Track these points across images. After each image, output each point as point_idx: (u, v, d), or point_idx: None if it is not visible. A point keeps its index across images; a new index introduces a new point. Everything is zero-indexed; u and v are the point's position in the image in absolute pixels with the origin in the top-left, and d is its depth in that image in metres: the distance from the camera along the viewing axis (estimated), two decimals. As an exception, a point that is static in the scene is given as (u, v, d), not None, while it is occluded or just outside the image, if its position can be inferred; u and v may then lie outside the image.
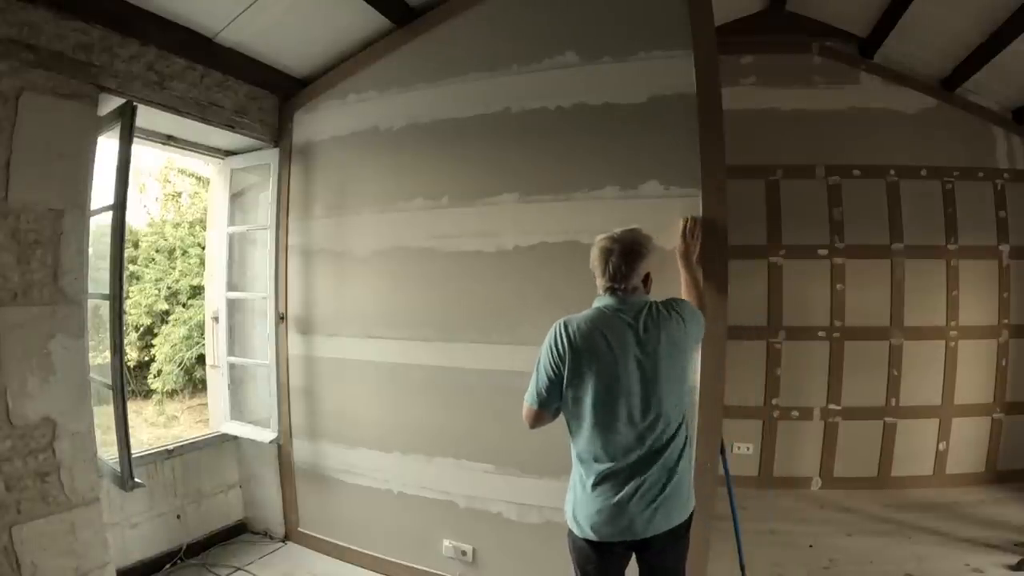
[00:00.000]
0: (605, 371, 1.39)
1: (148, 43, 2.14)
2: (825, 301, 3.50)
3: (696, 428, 1.92)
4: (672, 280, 1.84)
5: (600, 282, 1.50)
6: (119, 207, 2.02)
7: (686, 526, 1.47)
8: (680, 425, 1.45)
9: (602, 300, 1.49)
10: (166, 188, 7.01)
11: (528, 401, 1.50)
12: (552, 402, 1.47)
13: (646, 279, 1.51)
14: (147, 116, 2.22)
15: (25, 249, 1.79)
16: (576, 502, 1.47)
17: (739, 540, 2.19)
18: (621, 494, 1.39)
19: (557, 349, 1.44)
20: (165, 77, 2.22)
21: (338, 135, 2.65)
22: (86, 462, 1.95)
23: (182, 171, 6.83)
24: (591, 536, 1.43)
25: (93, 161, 2.00)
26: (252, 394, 3.05)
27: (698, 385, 1.91)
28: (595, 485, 1.42)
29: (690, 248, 1.88)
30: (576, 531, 1.47)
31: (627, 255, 1.45)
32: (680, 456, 1.43)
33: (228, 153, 2.93)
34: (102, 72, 1.99)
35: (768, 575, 2.47)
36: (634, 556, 1.50)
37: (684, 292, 1.81)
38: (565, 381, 1.43)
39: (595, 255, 1.50)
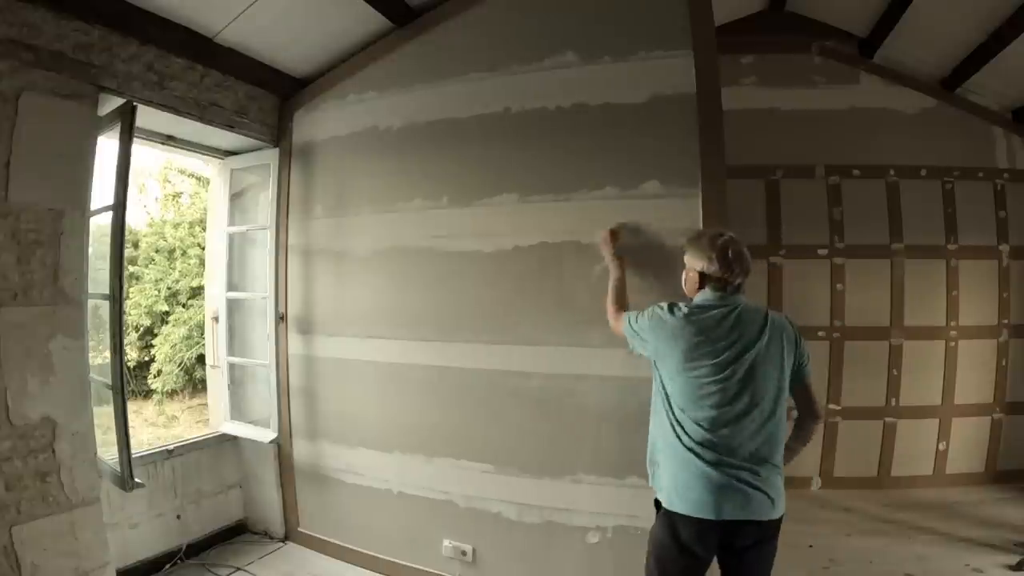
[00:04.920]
0: (716, 357, 1.40)
1: (148, 43, 2.14)
2: (825, 301, 3.50)
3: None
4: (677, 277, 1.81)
5: (709, 268, 1.49)
6: (119, 207, 2.02)
7: (777, 525, 1.45)
8: (780, 417, 1.45)
9: (711, 292, 1.50)
10: (166, 188, 7.01)
11: (626, 320, 1.65)
12: (636, 343, 1.61)
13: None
14: (147, 116, 2.22)
15: (25, 249, 1.79)
16: (678, 485, 1.42)
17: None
18: (734, 477, 1.37)
19: (662, 320, 1.50)
20: (165, 77, 2.22)
21: (338, 135, 2.65)
22: (86, 462, 1.95)
23: (182, 171, 6.83)
24: (696, 514, 1.38)
25: (93, 161, 2.00)
26: (252, 394, 3.04)
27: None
28: (710, 465, 1.38)
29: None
30: (680, 509, 1.41)
31: (742, 257, 1.49)
32: (778, 443, 1.45)
33: (228, 153, 2.93)
34: (102, 72, 1.99)
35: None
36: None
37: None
38: (671, 359, 1.45)
39: (711, 245, 1.50)
